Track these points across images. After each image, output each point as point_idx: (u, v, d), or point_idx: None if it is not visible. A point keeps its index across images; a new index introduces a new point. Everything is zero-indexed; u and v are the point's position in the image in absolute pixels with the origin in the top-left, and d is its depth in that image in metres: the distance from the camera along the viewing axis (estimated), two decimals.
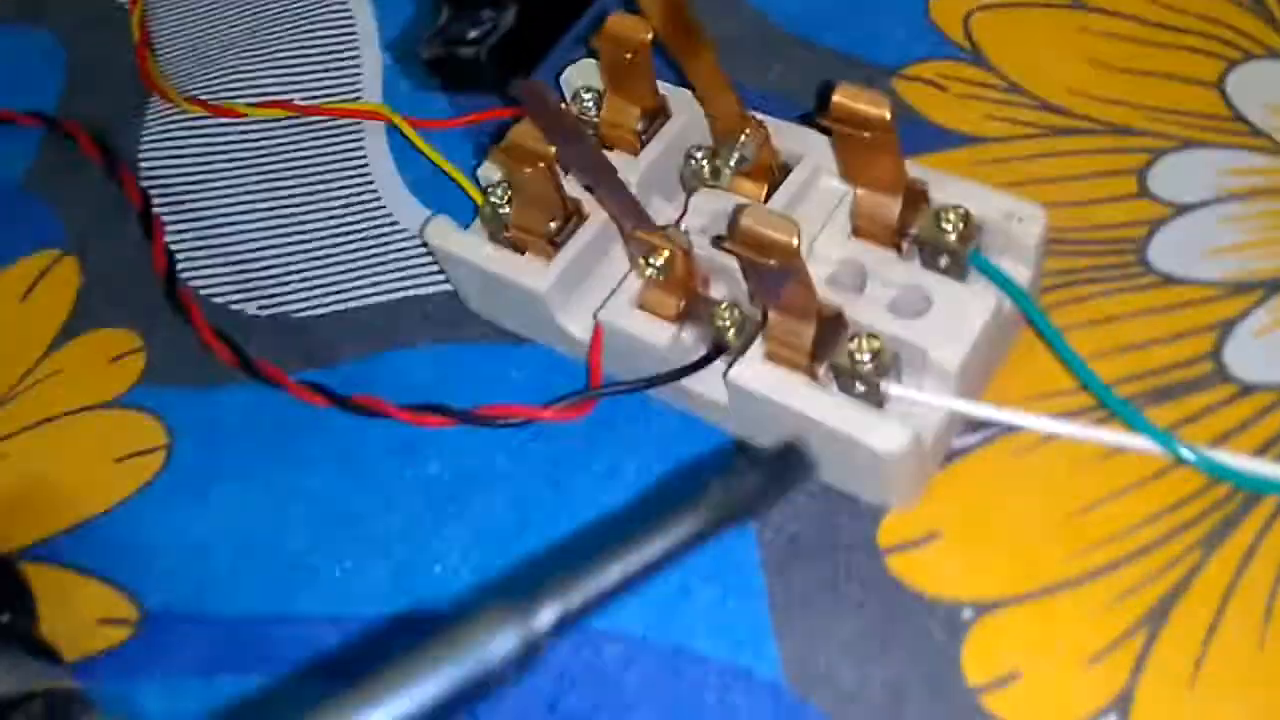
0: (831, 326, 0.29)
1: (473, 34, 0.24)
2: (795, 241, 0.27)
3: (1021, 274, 0.30)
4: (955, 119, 0.37)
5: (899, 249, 0.31)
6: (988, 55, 0.38)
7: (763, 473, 0.19)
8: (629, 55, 0.32)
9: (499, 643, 0.15)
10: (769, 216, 0.27)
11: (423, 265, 0.39)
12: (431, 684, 0.15)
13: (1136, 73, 0.37)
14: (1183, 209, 0.34)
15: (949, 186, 0.31)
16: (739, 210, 0.28)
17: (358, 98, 0.45)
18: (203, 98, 0.46)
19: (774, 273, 0.27)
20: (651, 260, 0.31)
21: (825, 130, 0.32)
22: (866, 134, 0.28)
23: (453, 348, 0.37)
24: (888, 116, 0.28)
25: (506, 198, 0.34)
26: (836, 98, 0.29)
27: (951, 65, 0.38)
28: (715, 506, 0.18)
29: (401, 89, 0.44)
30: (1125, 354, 0.31)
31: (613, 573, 0.17)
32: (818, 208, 0.33)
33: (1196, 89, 0.36)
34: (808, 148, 0.33)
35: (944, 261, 0.31)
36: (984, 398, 0.32)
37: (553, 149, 0.30)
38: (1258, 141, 0.34)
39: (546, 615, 0.16)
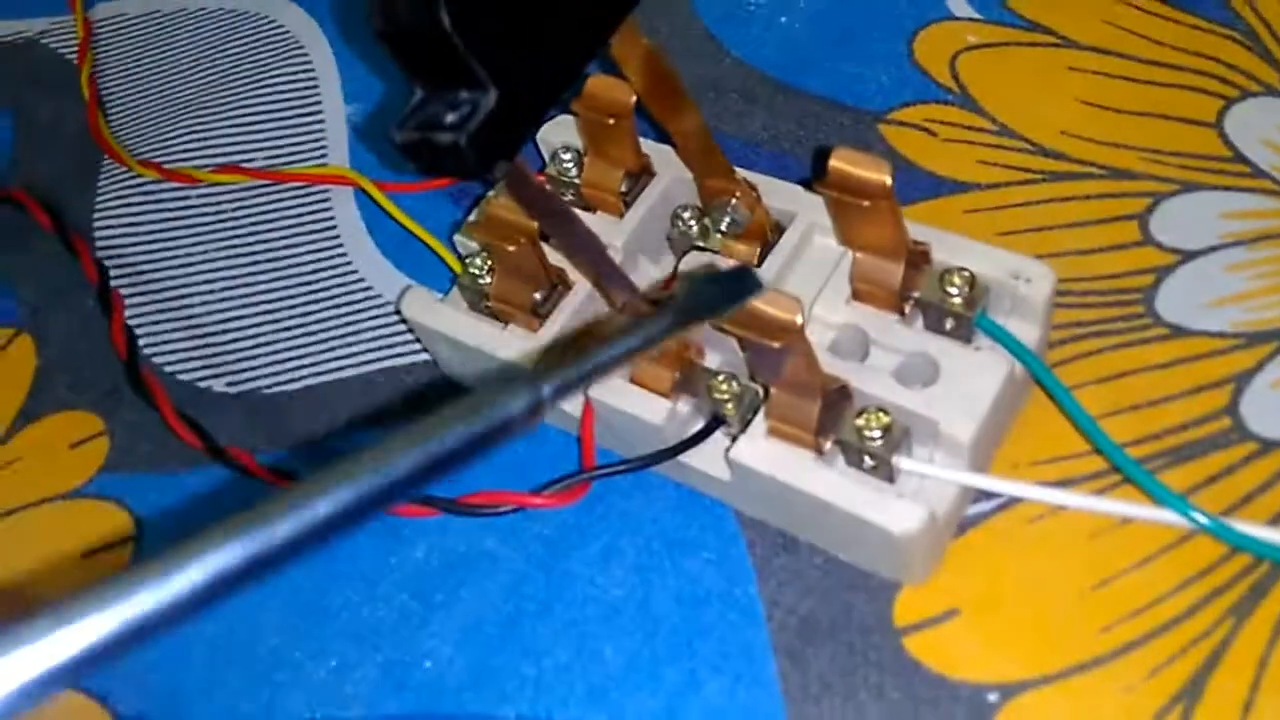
0: (837, 400, 0.28)
1: (450, 117, 0.23)
2: (799, 320, 0.25)
3: (1030, 334, 0.29)
4: (946, 165, 0.36)
5: (901, 312, 0.30)
6: (976, 98, 0.37)
7: (720, 284, 0.25)
8: (611, 120, 0.31)
9: (514, 401, 0.20)
10: (769, 293, 0.26)
11: (399, 333, 0.37)
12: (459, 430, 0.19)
13: (1131, 113, 0.36)
14: (1188, 256, 0.33)
15: (951, 245, 0.30)
16: None
17: (323, 155, 0.43)
18: (158, 160, 0.44)
19: (776, 351, 0.26)
20: None
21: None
22: (866, 202, 0.27)
23: None
24: (888, 182, 0.27)
25: (487, 267, 0.32)
26: (834, 163, 0.28)
27: (939, 109, 0.37)
28: (681, 309, 0.23)
29: (370, 145, 0.43)
30: (1139, 412, 0.30)
31: (600, 357, 0.22)
32: (814, 269, 0.31)
33: (1194, 129, 0.35)
34: (800, 206, 0.32)
35: (950, 324, 0.29)
36: (996, 462, 0.30)
37: (535, 224, 0.29)
38: (1260, 183, 0.33)
39: (548, 387, 0.20)
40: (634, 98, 0.30)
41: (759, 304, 0.26)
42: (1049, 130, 0.36)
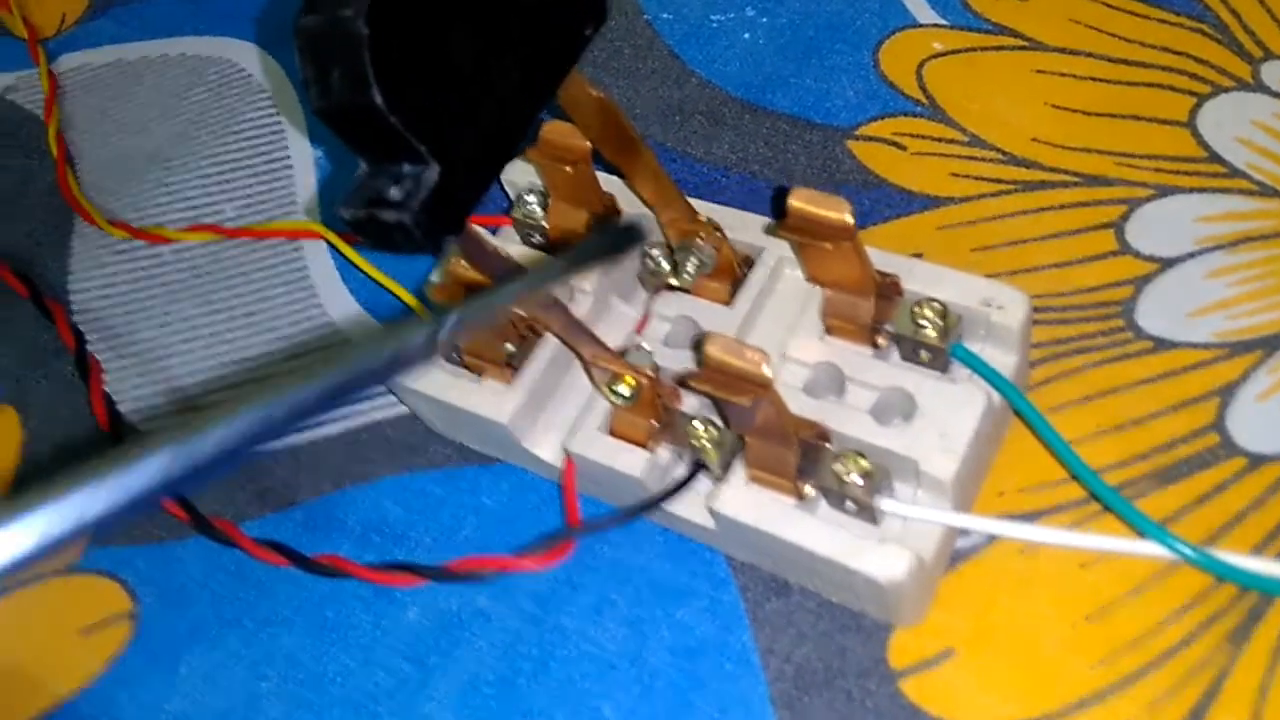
0: (814, 446, 0.28)
1: (394, 193, 0.22)
2: (767, 373, 0.25)
3: (1007, 362, 0.29)
4: (917, 180, 0.35)
5: (876, 344, 0.29)
6: (944, 107, 0.37)
7: (607, 236, 0.26)
8: (569, 167, 0.30)
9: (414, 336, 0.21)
10: (736, 345, 0.26)
11: (380, 388, 0.37)
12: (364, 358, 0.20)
13: (1102, 115, 0.35)
14: (1167, 263, 0.32)
15: (921, 275, 0.29)
16: (705, 340, 0.26)
17: (292, 202, 0.42)
18: (129, 215, 0.44)
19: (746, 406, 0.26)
20: (617, 389, 0.29)
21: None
22: (828, 245, 0.27)
23: (419, 477, 0.35)
24: (849, 221, 0.27)
25: None
26: (792, 203, 0.27)
27: (908, 121, 0.37)
28: (570, 257, 0.25)
29: (338, 190, 0.42)
30: (1124, 431, 0.30)
31: (494, 296, 0.23)
32: (786, 304, 0.31)
33: (1167, 129, 0.34)
34: (767, 240, 0.31)
35: (924, 355, 0.29)
36: (981, 492, 0.30)
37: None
38: (1236, 182, 0.33)
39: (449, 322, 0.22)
40: (589, 143, 0.30)
41: (726, 358, 0.26)
42: (1020, 138, 0.35)
